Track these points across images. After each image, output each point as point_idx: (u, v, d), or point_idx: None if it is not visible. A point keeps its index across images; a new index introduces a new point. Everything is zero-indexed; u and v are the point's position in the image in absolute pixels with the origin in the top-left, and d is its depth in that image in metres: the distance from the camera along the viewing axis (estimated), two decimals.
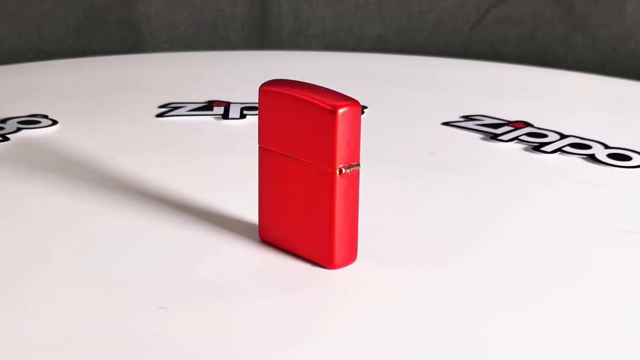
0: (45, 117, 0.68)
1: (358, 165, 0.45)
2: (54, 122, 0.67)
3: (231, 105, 0.72)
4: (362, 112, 0.67)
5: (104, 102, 0.74)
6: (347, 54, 0.93)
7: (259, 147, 0.47)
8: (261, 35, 0.99)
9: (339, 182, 0.45)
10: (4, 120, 0.67)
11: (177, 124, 0.68)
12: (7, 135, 0.64)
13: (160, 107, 0.71)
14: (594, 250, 0.50)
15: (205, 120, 0.69)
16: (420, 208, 0.54)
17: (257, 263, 0.47)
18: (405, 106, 0.74)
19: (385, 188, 0.57)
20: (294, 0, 0.98)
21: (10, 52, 0.94)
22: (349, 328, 0.42)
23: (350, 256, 0.46)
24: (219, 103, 0.72)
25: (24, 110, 0.69)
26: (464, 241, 0.50)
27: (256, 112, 0.69)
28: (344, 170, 0.45)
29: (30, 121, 0.67)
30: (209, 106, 0.71)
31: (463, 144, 0.65)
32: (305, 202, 0.46)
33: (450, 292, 0.45)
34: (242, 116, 0.69)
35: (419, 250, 0.49)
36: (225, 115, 0.69)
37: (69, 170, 0.58)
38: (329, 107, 0.44)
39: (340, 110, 0.44)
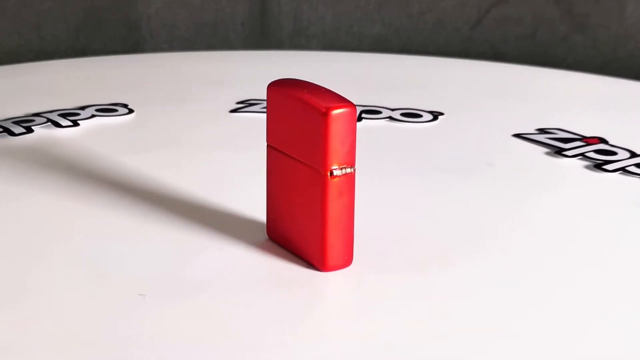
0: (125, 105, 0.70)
1: (352, 168, 0.45)
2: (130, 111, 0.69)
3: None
4: (436, 118, 0.68)
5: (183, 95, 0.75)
6: (347, 54, 0.93)
7: (267, 144, 0.48)
8: (261, 35, 0.99)
9: (331, 185, 0.44)
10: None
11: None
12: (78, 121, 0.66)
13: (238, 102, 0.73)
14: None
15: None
16: (438, 214, 0.54)
17: (251, 261, 0.47)
18: (478, 114, 0.73)
19: (421, 196, 0.56)
20: (294, 0, 0.98)
21: (10, 52, 0.94)
22: (331, 330, 0.42)
23: (345, 260, 0.46)
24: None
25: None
26: (466, 249, 0.50)
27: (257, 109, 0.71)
28: (334, 173, 0.44)
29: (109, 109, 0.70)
30: None
31: (525, 156, 0.63)
32: (302, 202, 0.46)
33: (442, 300, 0.45)
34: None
35: (419, 258, 0.49)
36: None
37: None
38: (323, 109, 0.44)
39: (333, 112, 0.44)
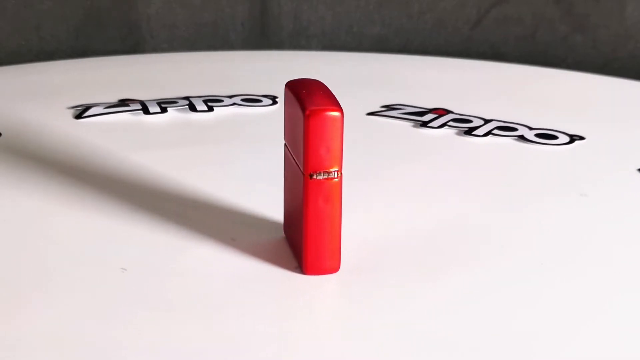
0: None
1: (336, 172, 0.44)
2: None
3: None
4: (572, 142, 0.65)
5: None
6: (347, 54, 0.93)
7: (284, 142, 0.48)
8: (261, 35, 0.99)
9: (311, 187, 0.44)
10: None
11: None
12: None
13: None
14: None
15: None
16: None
17: (246, 260, 0.48)
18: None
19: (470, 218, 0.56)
20: (294, 0, 0.98)
21: (10, 52, 0.94)
22: (300, 336, 0.42)
23: (330, 266, 0.46)
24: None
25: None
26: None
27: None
28: (313, 176, 0.44)
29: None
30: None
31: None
32: (297, 203, 0.46)
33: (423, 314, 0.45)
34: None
35: (412, 265, 0.49)
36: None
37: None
38: (306, 110, 0.44)
39: (315, 114, 0.43)
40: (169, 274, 0.47)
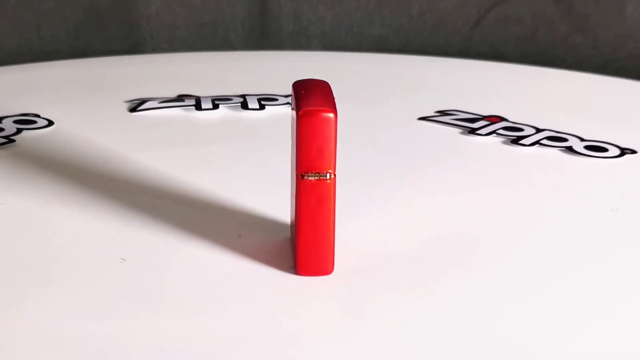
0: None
1: (328, 173, 0.44)
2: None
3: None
4: (622, 155, 0.63)
5: None
6: (347, 54, 0.93)
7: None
8: (261, 36, 0.99)
9: (303, 187, 0.44)
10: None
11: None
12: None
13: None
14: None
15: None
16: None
17: (240, 259, 0.48)
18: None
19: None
20: (294, 1, 0.98)
21: (10, 52, 0.94)
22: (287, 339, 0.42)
23: (321, 267, 0.46)
24: None
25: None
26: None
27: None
28: (305, 176, 0.44)
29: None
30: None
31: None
32: (294, 203, 0.46)
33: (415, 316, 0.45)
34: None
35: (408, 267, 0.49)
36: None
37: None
38: (300, 110, 0.44)
39: (308, 115, 0.43)
40: (166, 270, 0.47)
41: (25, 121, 0.67)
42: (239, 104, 0.71)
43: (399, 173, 0.60)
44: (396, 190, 0.57)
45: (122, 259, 0.47)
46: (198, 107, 0.70)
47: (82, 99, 0.73)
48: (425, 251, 0.49)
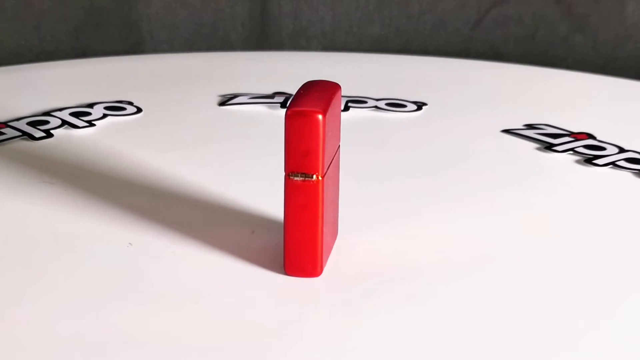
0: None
1: (314, 176, 0.44)
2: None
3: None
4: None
5: None
6: (347, 54, 0.93)
7: None
8: (261, 36, 0.99)
9: (289, 187, 0.44)
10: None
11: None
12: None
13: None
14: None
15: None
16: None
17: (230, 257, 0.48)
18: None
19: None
20: (294, 1, 0.98)
21: (10, 52, 0.94)
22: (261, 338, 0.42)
23: (308, 268, 0.45)
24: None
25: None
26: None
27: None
28: (291, 176, 0.44)
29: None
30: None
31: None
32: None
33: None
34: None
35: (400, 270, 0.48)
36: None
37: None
38: (288, 111, 0.43)
39: (293, 115, 0.43)
40: (162, 265, 0.47)
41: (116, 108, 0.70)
42: None
43: (446, 183, 0.58)
44: (434, 203, 0.55)
45: (129, 243, 0.48)
46: (283, 105, 0.71)
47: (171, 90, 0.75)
48: (437, 264, 0.48)
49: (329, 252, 0.47)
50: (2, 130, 0.64)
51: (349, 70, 0.84)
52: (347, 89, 0.74)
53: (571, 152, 0.63)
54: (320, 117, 0.43)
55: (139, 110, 0.69)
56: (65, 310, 0.43)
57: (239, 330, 0.42)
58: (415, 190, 0.57)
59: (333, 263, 0.47)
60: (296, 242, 0.45)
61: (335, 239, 0.49)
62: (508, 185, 0.58)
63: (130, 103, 0.71)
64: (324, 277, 0.46)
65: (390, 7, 0.99)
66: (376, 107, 0.72)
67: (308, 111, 0.43)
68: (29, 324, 0.42)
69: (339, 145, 0.48)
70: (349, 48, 0.99)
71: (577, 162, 0.62)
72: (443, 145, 0.65)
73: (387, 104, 0.72)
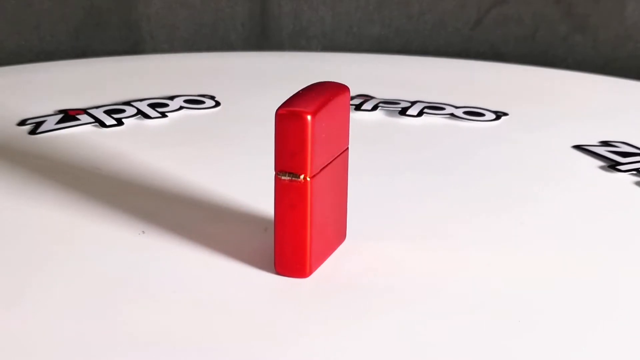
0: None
1: (302, 176, 0.44)
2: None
3: None
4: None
5: None
6: (347, 54, 0.93)
7: None
8: (261, 36, 0.99)
9: (278, 185, 0.44)
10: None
11: None
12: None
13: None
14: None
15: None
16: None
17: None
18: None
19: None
20: (294, 1, 0.98)
21: (10, 53, 0.94)
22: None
23: (296, 269, 0.45)
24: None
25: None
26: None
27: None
28: (279, 175, 0.44)
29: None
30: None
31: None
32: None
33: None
34: None
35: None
36: None
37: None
38: (278, 110, 0.43)
39: (283, 113, 0.43)
40: (162, 265, 0.47)
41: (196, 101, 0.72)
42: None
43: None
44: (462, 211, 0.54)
45: (142, 231, 0.49)
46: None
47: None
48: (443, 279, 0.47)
49: (326, 255, 0.47)
50: (79, 116, 0.67)
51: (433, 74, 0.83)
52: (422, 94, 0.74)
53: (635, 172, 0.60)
54: (309, 117, 0.43)
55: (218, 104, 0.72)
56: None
57: (222, 329, 0.42)
58: (455, 203, 0.55)
59: (331, 266, 0.47)
60: (285, 242, 0.45)
61: (339, 242, 0.48)
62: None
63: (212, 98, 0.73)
64: (313, 279, 0.46)
65: (390, 7, 0.98)
66: (452, 114, 0.70)
67: (297, 111, 0.43)
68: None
69: (347, 148, 0.47)
70: (349, 48, 0.99)
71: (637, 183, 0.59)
72: (517, 157, 0.63)
73: (465, 112, 0.70)
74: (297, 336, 0.41)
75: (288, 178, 0.44)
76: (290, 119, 0.43)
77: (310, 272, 0.45)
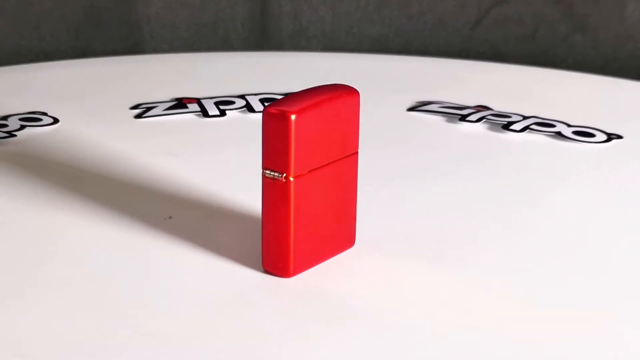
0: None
1: (283, 176, 0.44)
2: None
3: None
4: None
5: None
6: (347, 55, 0.93)
7: None
8: (261, 36, 0.99)
9: (264, 182, 0.44)
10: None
11: None
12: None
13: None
14: None
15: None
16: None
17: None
18: None
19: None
20: (294, 1, 0.98)
21: (10, 52, 0.94)
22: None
23: (280, 267, 0.45)
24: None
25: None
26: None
27: None
28: (265, 172, 0.44)
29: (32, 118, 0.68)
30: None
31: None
32: None
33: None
34: None
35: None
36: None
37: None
38: (266, 108, 0.43)
39: (269, 112, 0.43)
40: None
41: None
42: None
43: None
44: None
45: (169, 216, 0.50)
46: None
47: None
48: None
49: (321, 258, 0.47)
50: (190, 104, 0.70)
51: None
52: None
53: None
54: (293, 117, 0.43)
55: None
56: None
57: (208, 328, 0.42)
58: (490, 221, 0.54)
59: (325, 269, 0.46)
60: (270, 240, 0.45)
61: (343, 247, 0.48)
62: None
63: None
64: (297, 279, 0.45)
65: (390, 7, 0.98)
66: (559, 133, 0.64)
67: (283, 110, 0.43)
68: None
69: (355, 152, 0.47)
70: (349, 48, 0.99)
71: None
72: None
73: (574, 132, 0.64)
74: (267, 335, 0.41)
75: (270, 175, 0.44)
76: (276, 118, 0.43)
77: (295, 273, 0.45)
